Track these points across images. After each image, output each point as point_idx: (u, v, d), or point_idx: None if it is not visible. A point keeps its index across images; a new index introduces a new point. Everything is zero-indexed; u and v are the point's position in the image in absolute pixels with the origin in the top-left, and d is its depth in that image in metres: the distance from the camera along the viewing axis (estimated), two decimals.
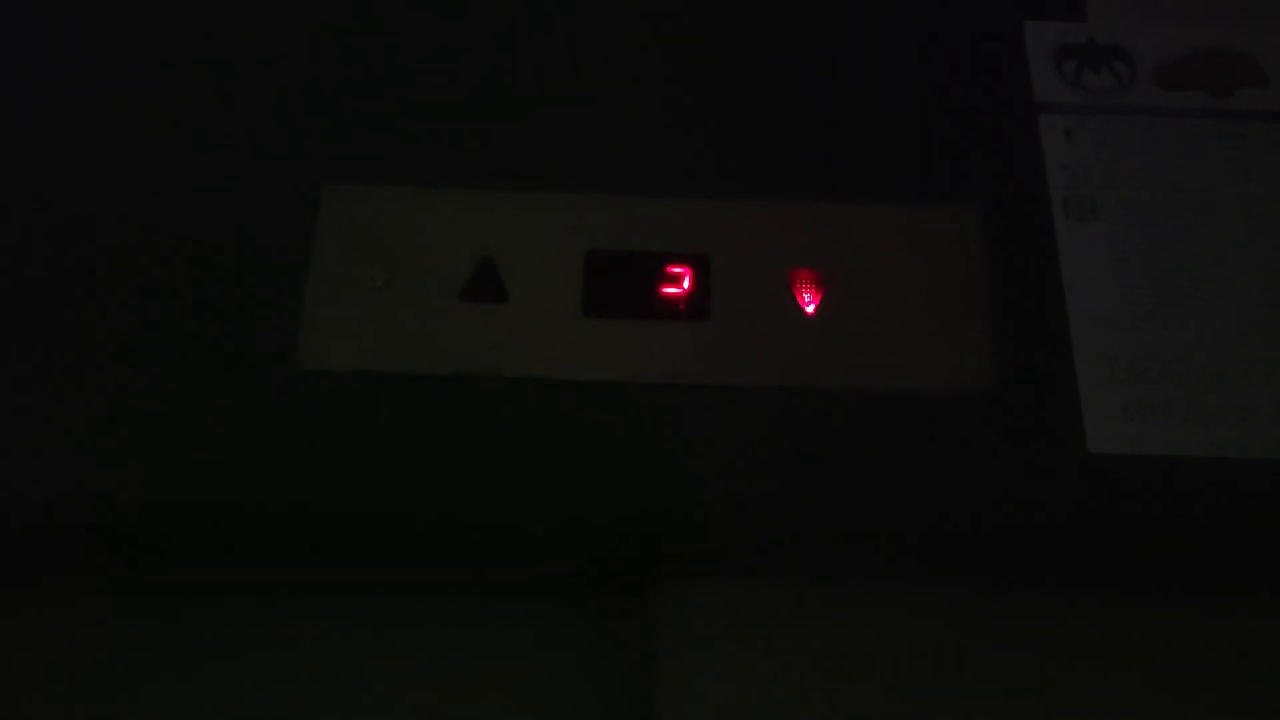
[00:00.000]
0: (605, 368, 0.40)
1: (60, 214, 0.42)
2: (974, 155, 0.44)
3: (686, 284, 0.41)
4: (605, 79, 0.45)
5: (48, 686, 0.39)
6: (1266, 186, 0.43)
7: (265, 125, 0.44)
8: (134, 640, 0.39)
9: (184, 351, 0.40)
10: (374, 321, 0.40)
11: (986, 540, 0.39)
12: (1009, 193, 0.43)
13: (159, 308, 0.41)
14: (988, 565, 0.40)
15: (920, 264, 0.41)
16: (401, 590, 0.40)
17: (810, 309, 0.41)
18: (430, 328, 0.40)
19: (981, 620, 0.39)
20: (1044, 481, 0.39)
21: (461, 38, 0.45)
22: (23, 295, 0.41)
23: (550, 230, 0.42)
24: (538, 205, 0.42)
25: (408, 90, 0.44)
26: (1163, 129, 0.44)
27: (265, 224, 0.42)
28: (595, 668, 0.39)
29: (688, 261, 0.41)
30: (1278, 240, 0.42)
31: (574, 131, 0.44)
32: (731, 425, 0.39)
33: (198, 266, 0.41)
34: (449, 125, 0.44)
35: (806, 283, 0.41)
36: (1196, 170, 0.44)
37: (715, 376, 0.40)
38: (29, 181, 0.43)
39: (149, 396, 0.39)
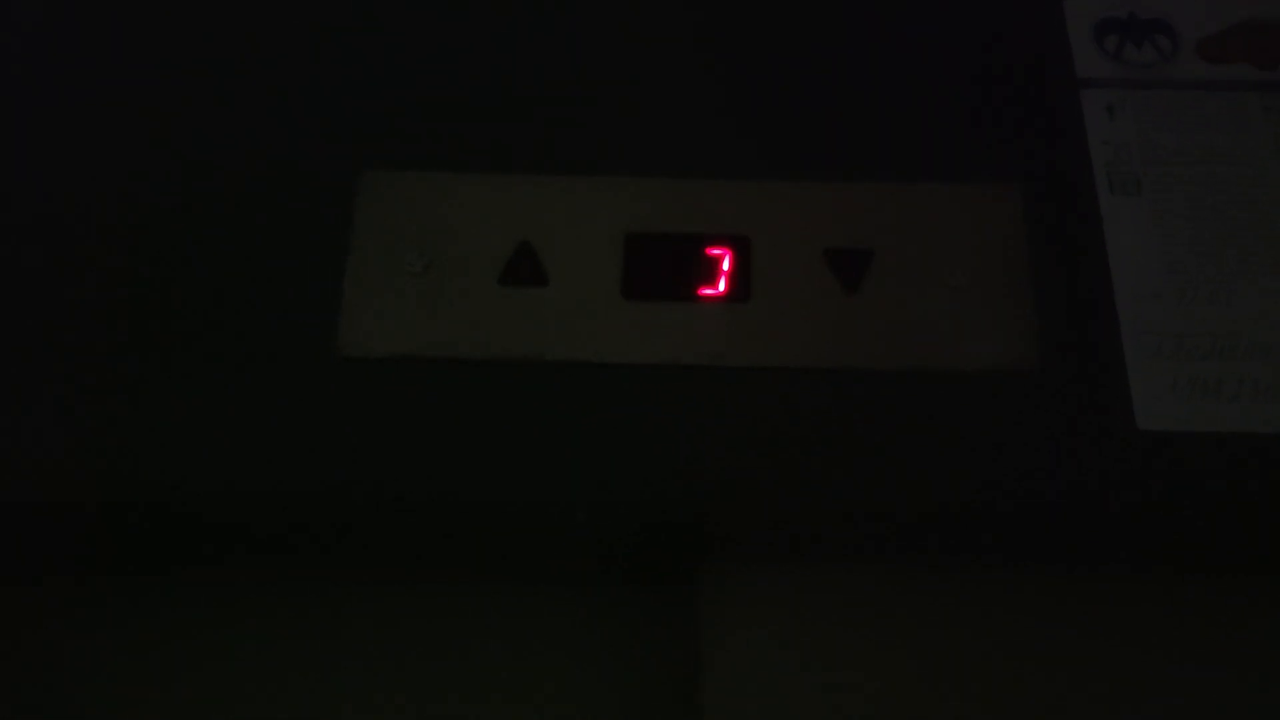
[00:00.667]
0: (646, 351, 0.40)
1: (101, 203, 0.42)
2: (1016, 132, 0.43)
3: (727, 265, 0.41)
4: (641, 61, 0.45)
5: (87, 679, 0.39)
6: None
7: (303, 112, 0.44)
8: (159, 633, 0.39)
9: (225, 340, 0.40)
10: (413, 307, 0.40)
11: (1035, 520, 0.39)
12: (1051, 169, 0.43)
13: (199, 296, 0.41)
14: (1037, 546, 0.40)
15: (962, 242, 0.41)
16: (442, 579, 0.40)
17: (852, 290, 0.40)
18: (470, 313, 0.40)
19: (1031, 601, 0.39)
20: (1093, 460, 0.38)
21: (499, 24, 0.45)
22: (64, 285, 0.41)
23: (588, 213, 0.41)
24: (575, 188, 0.42)
25: (445, 75, 0.44)
26: (1206, 103, 0.44)
27: (304, 211, 0.42)
28: (637, 654, 0.39)
29: (728, 242, 0.41)
30: None
31: (611, 114, 0.43)
32: (774, 407, 0.39)
33: (237, 254, 0.41)
34: (486, 110, 0.44)
35: (846, 262, 0.41)
36: (1241, 144, 0.43)
37: (757, 358, 0.40)
38: (74, 173, 0.43)
39: (190, 385, 0.40)
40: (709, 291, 0.40)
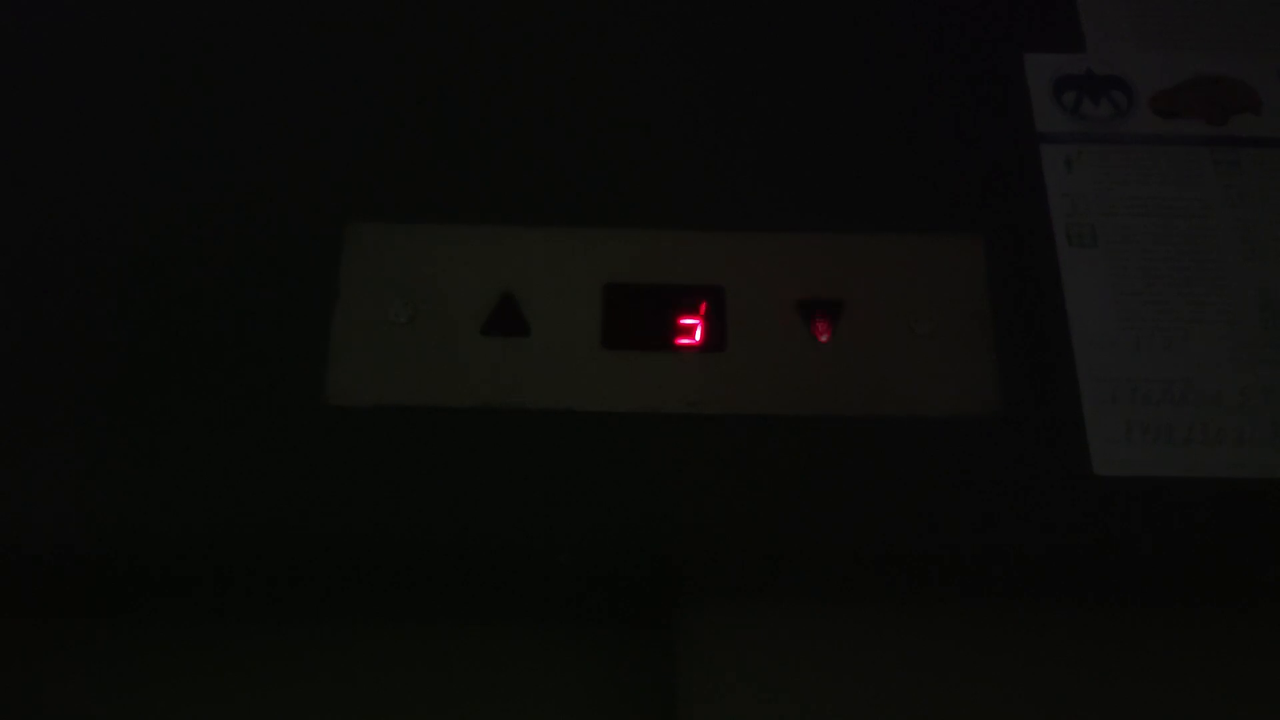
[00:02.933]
0: (625, 399, 0.41)
1: (88, 252, 0.43)
2: (978, 185, 0.45)
3: (702, 315, 0.42)
4: (619, 116, 0.46)
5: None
6: (1262, 211, 0.45)
7: (290, 163, 0.44)
8: (158, 672, 0.40)
9: (212, 390, 0.41)
10: (399, 357, 0.41)
11: (997, 561, 0.40)
12: (1012, 221, 0.44)
13: (186, 345, 0.41)
14: (999, 585, 0.41)
15: (928, 292, 0.43)
16: (424, 618, 0.41)
17: (824, 338, 0.42)
18: (454, 362, 0.41)
19: (996, 639, 0.40)
20: (1052, 503, 0.40)
21: (484, 78, 0.46)
22: (52, 335, 0.42)
23: (569, 265, 0.43)
24: (556, 240, 0.43)
25: (429, 128, 0.45)
26: (1160, 156, 0.46)
27: (290, 261, 0.42)
28: (615, 694, 0.40)
29: (703, 293, 0.42)
30: (1274, 264, 0.44)
31: (590, 167, 0.45)
32: (748, 453, 0.40)
33: (223, 304, 0.42)
34: (469, 162, 0.44)
35: (819, 312, 0.42)
36: (1194, 196, 0.45)
37: (732, 406, 0.41)
38: (61, 222, 0.43)
39: (178, 434, 0.40)
40: (686, 341, 0.42)
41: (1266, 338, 0.42)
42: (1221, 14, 0.49)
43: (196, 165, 0.44)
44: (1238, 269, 0.44)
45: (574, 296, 0.42)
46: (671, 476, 0.40)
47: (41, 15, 0.47)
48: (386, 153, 0.45)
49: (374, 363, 0.41)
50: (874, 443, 0.41)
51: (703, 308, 0.42)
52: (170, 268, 0.43)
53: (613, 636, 0.41)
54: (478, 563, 0.40)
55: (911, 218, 0.44)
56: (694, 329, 0.42)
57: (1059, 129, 0.46)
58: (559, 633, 0.41)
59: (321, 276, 0.42)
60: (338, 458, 0.40)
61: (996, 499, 0.40)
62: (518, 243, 0.43)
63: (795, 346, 0.42)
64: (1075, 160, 0.45)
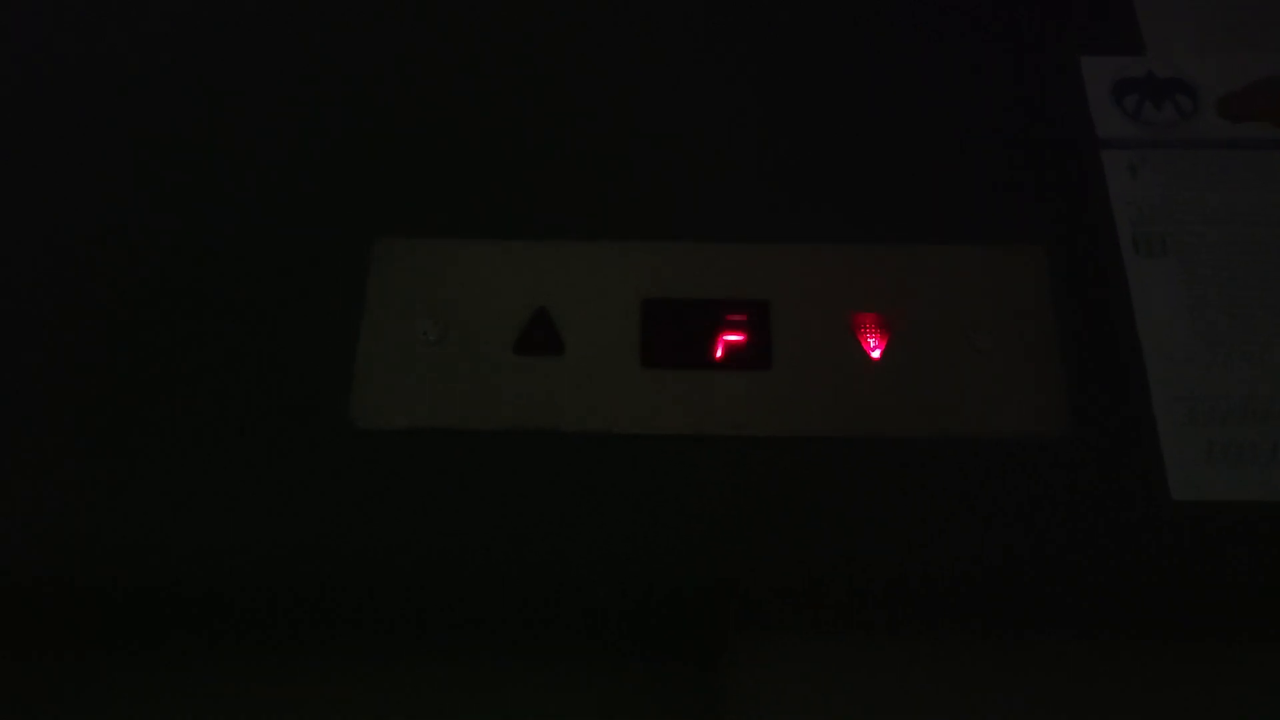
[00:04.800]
0: (665, 420, 0.39)
1: (113, 272, 0.42)
2: (1038, 193, 0.43)
3: (746, 332, 0.40)
4: (656, 126, 0.44)
5: None
6: None
7: (317, 179, 0.43)
8: (183, 703, 0.38)
9: (233, 411, 0.39)
10: (428, 377, 0.39)
11: (1067, 593, 0.37)
12: (1075, 230, 0.42)
13: (207, 365, 0.40)
14: (1068, 617, 0.38)
15: (987, 305, 0.40)
16: (452, 653, 0.39)
17: (875, 354, 0.40)
18: (485, 383, 0.39)
19: (1063, 673, 0.37)
20: (1126, 531, 0.37)
21: (514, 89, 0.45)
22: (75, 355, 0.41)
23: (605, 279, 0.41)
24: (592, 254, 0.41)
25: (459, 141, 0.44)
26: (1230, 161, 0.43)
27: (317, 279, 0.41)
28: None
29: (747, 308, 0.40)
30: None
31: (626, 178, 0.43)
32: (797, 477, 0.38)
33: (249, 324, 0.41)
34: (500, 175, 0.43)
35: (870, 327, 0.40)
36: (1266, 202, 0.43)
37: (779, 427, 0.39)
38: (85, 241, 0.43)
39: (202, 458, 0.39)
40: (729, 359, 0.40)
41: None
42: None
43: (220, 180, 0.43)
44: None
45: (611, 312, 0.40)
46: (715, 503, 0.38)
47: (70, 24, 0.47)
48: (415, 166, 0.43)
49: (402, 384, 0.39)
50: (932, 465, 0.38)
51: (747, 323, 0.40)
52: (192, 284, 0.42)
53: (654, 674, 0.39)
54: (509, 594, 0.38)
55: (967, 227, 0.42)
56: (738, 346, 0.40)
57: (1121, 134, 0.44)
58: (598, 669, 0.39)
59: (348, 294, 0.41)
60: (364, 483, 0.38)
61: (1065, 526, 0.38)
62: (551, 257, 0.41)
63: (845, 363, 0.39)
64: (1139, 166, 0.43)
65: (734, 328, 0.40)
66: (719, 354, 0.40)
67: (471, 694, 0.38)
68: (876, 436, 0.39)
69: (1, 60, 0.47)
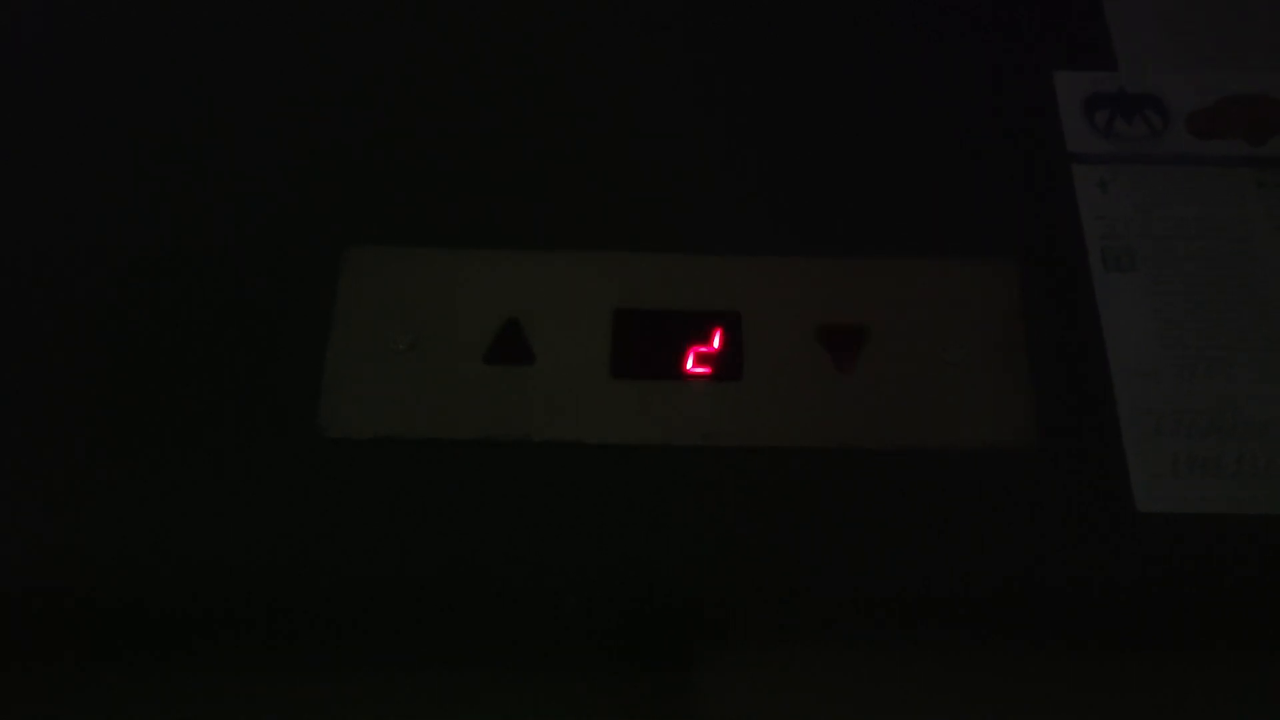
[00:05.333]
0: (635, 430, 0.39)
1: (71, 275, 0.42)
2: (1008, 207, 0.43)
3: (717, 343, 0.40)
4: (628, 135, 0.44)
5: None
6: None
7: (287, 187, 0.43)
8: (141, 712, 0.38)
9: (200, 420, 0.39)
10: (398, 386, 0.39)
11: (1033, 604, 0.38)
12: (1045, 244, 0.42)
13: (173, 373, 0.40)
14: (1034, 629, 0.38)
15: (957, 318, 0.40)
16: (421, 665, 0.39)
17: (846, 367, 0.40)
18: (455, 392, 0.39)
19: (1029, 686, 0.37)
20: (1092, 542, 0.38)
21: (484, 97, 0.45)
22: (40, 362, 0.40)
23: (576, 289, 0.41)
24: (563, 264, 0.41)
25: (429, 149, 0.44)
26: (1199, 178, 0.44)
27: (287, 287, 0.41)
28: None
29: (718, 320, 0.40)
30: None
31: (598, 188, 0.43)
32: (767, 489, 0.38)
33: (217, 332, 0.40)
34: (471, 184, 0.43)
35: (841, 340, 0.40)
36: (1235, 218, 0.43)
37: (749, 438, 0.39)
38: (51, 246, 0.42)
39: (163, 466, 0.38)
40: (700, 370, 0.40)
41: None
42: (1255, 33, 0.47)
43: (190, 188, 0.43)
44: None
45: (582, 323, 0.40)
46: (685, 513, 0.38)
47: (33, 25, 0.46)
48: (386, 174, 0.43)
49: (371, 392, 0.39)
50: (901, 477, 0.38)
51: (717, 334, 0.40)
52: (160, 292, 0.41)
53: (624, 684, 0.39)
54: (480, 605, 0.38)
55: (938, 241, 0.42)
56: (708, 357, 0.40)
57: (1092, 149, 0.44)
58: (566, 679, 0.39)
59: (317, 302, 0.40)
60: (332, 492, 0.38)
61: (1032, 537, 0.38)
62: (522, 267, 0.41)
63: (816, 375, 0.40)
64: (1110, 181, 0.43)
65: (705, 339, 0.40)
66: (690, 365, 0.40)
67: (439, 704, 0.38)
68: (846, 448, 0.39)
69: None
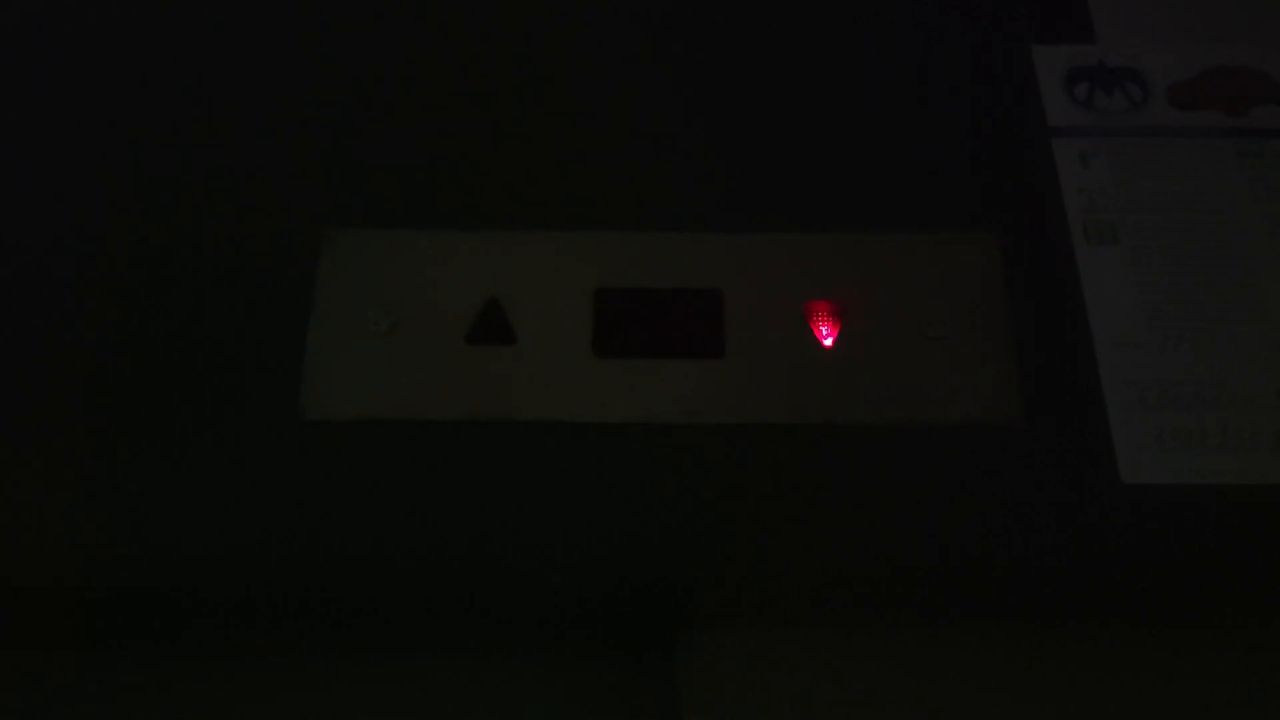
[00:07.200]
0: (618, 409, 0.39)
1: (51, 261, 0.41)
2: (989, 182, 0.43)
3: (699, 320, 0.40)
4: (607, 114, 0.44)
5: None
6: None
7: (265, 169, 0.43)
8: (133, 706, 0.38)
9: (179, 403, 0.39)
10: (379, 368, 0.39)
11: (1018, 577, 0.38)
12: (1027, 218, 0.42)
13: (151, 357, 0.40)
14: (1020, 602, 0.38)
15: (939, 293, 0.40)
16: (405, 648, 0.39)
17: (828, 342, 0.40)
18: (437, 373, 0.39)
19: (1017, 661, 0.37)
20: (1077, 514, 0.38)
21: (464, 76, 0.45)
22: (21, 346, 0.40)
23: (557, 269, 0.41)
24: (544, 244, 0.41)
25: (408, 131, 0.43)
26: (1180, 149, 0.44)
27: (265, 270, 0.41)
28: None
29: (700, 297, 0.40)
30: None
31: (579, 167, 0.43)
32: (751, 465, 0.38)
33: (196, 314, 0.40)
34: (451, 165, 0.43)
35: (823, 315, 0.40)
36: (1217, 190, 0.43)
37: (732, 415, 0.39)
38: (30, 233, 0.42)
39: (148, 451, 0.38)
40: (682, 347, 0.39)
41: None
42: (1234, 3, 0.47)
43: (163, 171, 0.43)
44: (1266, 263, 0.41)
45: (563, 302, 0.40)
46: (669, 490, 0.38)
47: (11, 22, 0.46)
48: (364, 155, 0.43)
49: (352, 374, 0.39)
50: (884, 452, 0.38)
51: (699, 312, 0.40)
52: (138, 276, 0.41)
53: (610, 665, 0.39)
54: (463, 586, 0.38)
55: (919, 217, 0.42)
56: (690, 335, 0.40)
57: (1072, 123, 0.44)
58: (553, 661, 0.39)
59: (296, 285, 0.40)
60: (313, 474, 0.38)
61: (1017, 510, 0.38)
62: (503, 247, 0.41)
63: (798, 351, 0.39)
64: (1090, 154, 0.43)
65: (686, 316, 0.40)
66: (672, 343, 0.40)
67: (423, 687, 0.38)
68: (829, 423, 0.39)
69: None
